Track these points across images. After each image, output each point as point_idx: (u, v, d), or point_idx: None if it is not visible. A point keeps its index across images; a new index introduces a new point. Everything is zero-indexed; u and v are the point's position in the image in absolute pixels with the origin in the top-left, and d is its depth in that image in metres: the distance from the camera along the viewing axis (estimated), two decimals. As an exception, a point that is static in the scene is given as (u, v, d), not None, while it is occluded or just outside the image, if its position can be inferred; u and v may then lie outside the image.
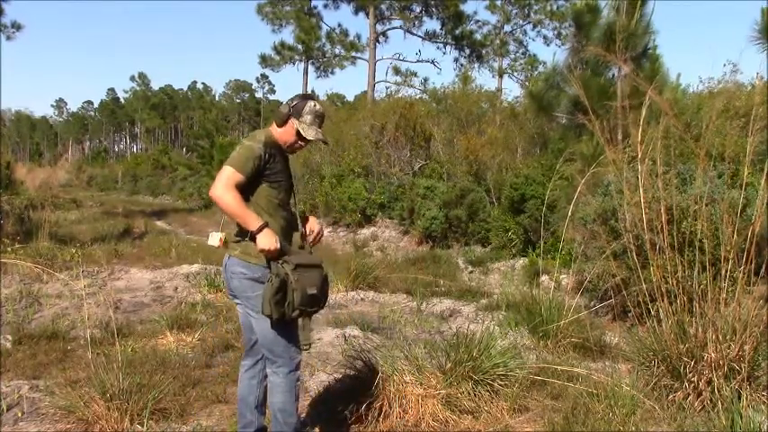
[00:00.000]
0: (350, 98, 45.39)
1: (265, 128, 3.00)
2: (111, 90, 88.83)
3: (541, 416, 3.54)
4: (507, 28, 31.58)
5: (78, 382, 3.83)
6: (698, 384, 3.41)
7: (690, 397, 3.42)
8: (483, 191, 12.38)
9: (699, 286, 3.58)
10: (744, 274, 3.51)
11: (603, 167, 4.84)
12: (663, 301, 3.68)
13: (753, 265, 3.53)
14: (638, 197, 3.86)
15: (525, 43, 32.14)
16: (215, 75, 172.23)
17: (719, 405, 3.20)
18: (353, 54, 28.46)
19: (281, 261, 2.72)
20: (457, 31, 28.58)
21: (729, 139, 7.33)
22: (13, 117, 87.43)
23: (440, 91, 19.91)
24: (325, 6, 28.41)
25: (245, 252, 2.77)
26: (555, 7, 29.72)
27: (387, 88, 27.13)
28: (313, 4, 28.71)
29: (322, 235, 3.05)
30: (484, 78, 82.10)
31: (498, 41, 30.79)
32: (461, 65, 29.12)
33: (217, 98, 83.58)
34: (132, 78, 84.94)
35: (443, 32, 28.75)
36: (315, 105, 2.85)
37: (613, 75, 8.79)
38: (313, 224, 3.01)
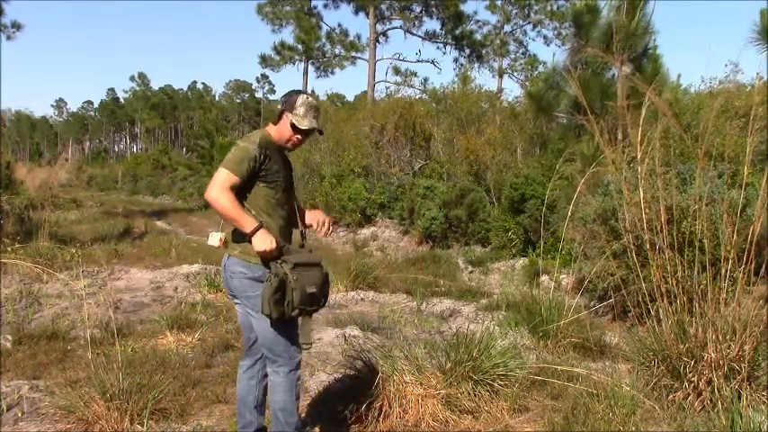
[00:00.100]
0: (350, 98, 45.40)
1: (262, 128, 3.01)
2: (111, 90, 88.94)
3: (541, 416, 3.54)
4: (507, 28, 31.58)
5: (78, 382, 3.83)
6: (698, 384, 3.41)
7: (690, 397, 3.42)
8: (483, 191, 12.38)
9: (699, 286, 3.58)
10: (744, 274, 3.51)
11: (603, 167, 4.84)
12: (663, 301, 3.68)
13: (753, 265, 3.53)
14: (637, 197, 3.86)
15: (525, 43, 32.15)
16: (215, 75, 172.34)
17: (719, 405, 3.20)
18: (353, 54, 28.47)
19: (280, 260, 2.72)
20: (457, 31, 28.57)
21: (729, 139, 7.33)
22: (13, 117, 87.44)
23: (440, 91, 19.90)
24: (325, 6, 28.42)
25: (245, 252, 2.78)
26: (555, 7, 29.71)
27: (387, 88, 27.16)
28: (313, 4, 28.73)
29: (330, 225, 3.06)
30: (484, 78, 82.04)
31: (498, 41, 30.77)
32: (461, 65, 29.13)
33: (217, 98, 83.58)
34: (132, 78, 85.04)
35: (443, 32, 28.75)
36: (307, 98, 2.87)
37: (614, 75, 8.80)
38: (318, 215, 3.03)
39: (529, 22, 31.45)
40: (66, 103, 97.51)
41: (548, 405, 3.65)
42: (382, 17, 27.86)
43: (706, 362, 3.40)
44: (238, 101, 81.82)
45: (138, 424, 3.34)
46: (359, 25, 74.67)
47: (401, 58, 28.56)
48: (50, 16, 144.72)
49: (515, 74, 32.21)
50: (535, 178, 10.55)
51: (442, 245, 12.16)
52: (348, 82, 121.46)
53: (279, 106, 2.93)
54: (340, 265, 8.47)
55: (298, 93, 2.89)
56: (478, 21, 29.98)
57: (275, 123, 2.90)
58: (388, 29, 28.47)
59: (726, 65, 13.56)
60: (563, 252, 7.06)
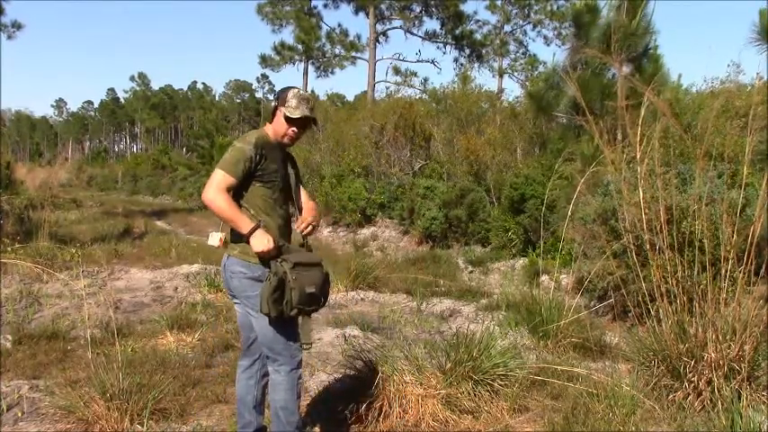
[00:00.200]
0: (350, 98, 45.41)
1: (259, 128, 3.01)
2: (111, 90, 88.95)
3: (541, 416, 3.54)
4: (507, 28, 31.57)
5: (78, 382, 3.83)
6: (698, 384, 3.41)
7: (690, 397, 3.42)
8: (483, 191, 12.38)
9: (699, 286, 3.58)
10: (744, 274, 3.51)
11: (603, 167, 4.84)
12: (663, 301, 3.68)
13: (753, 265, 3.53)
14: (637, 197, 3.86)
15: (525, 43, 32.14)
16: (215, 75, 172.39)
17: (719, 405, 3.20)
18: (353, 54, 28.47)
19: (279, 260, 2.73)
20: (457, 31, 28.58)
21: (729, 138, 7.33)
22: (13, 117, 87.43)
23: (440, 91, 19.91)
24: (325, 6, 28.43)
25: (244, 252, 2.78)
26: (555, 7, 29.71)
27: (387, 88, 27.16)
28: (313, 4, 28.73)
29: (315, 225, 2.93)
30: (484, 78, 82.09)
31: (498, 41, 30.77)
32: (461, 65, 29.14)
33: (217, 98, 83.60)
34: (132, 78, 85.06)
35: (443, 32, 28.76)
36: (298, 91, 2.87)
37: (614, 75, 8.79)
38: (307, 214, 2.92)
39: (529, 22, 31.46)
40: (66, 103, 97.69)
41: (548, 405, 3.65)
42: (382, 17, 27.86)
43: (706, 362, 3.39)
44: (238, 101, 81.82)
45: (138, 424, 3.34)
46: (359, 25, 74.78)
47: (401, 58, 28.59)
48: (50, 16, 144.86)
49: (515, 74, 32.23)
50: (535, 178, 10.55)
51: (442, 245, 12.16)
52: (348, 82, 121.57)
53: (272, 104, 2.94)
54: (340, 265, 8.47)
55: (289, 88, 2.89)
56: (478, 21, 30.01)
57: (270, 121, 2.91)
58: (388, 29, 28.50)
59: (728, 65, 13.54)
60: (563, 252, 7.06)
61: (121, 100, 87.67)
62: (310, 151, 17.58)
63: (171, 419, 3.47)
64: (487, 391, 3.59)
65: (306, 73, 29.07)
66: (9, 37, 16.15)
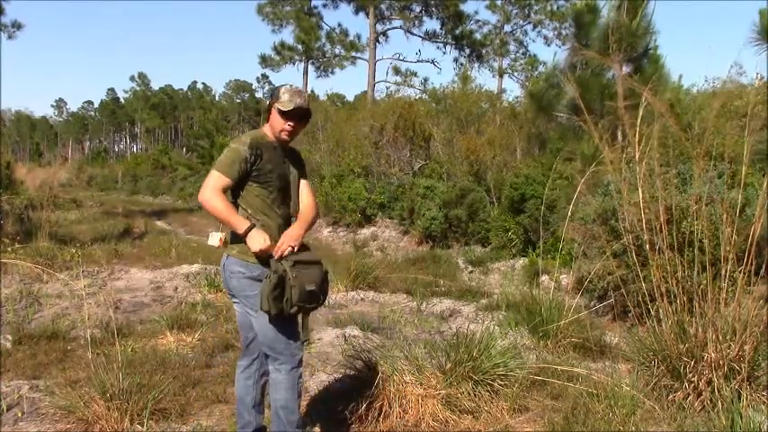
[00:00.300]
0: (350, 98, 45.45)
1: (257, 128, 3.01)
2: (111, 90, 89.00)
3: (541, 416, 3.54)
4: (507, 28, 31.62)
5: (78, 382, 3.83)
6: (698, 384, 3.41)
7: (690, 397, 3.42)
8: (483, 191, 12.37)
9: (699, 286, 3.58)
10: (744, 274, 3.51)
11: (603, 167, 4.84)
12: (663, 301, 3.68)
13: (753, 265, 3.53)
14: (636, 197, 3.86)
15: (525, 43, 32.19)
16: (215, 75, 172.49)
17: (719, 405, 3.20)
18: (353, 54, 28.49)
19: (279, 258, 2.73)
20: (457, 31, 28.60)
21: (729, 139, 7.33)
22: (13, 117, 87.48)
23: (440, 91, 19.91)
24: (325, 6, 28.47)
25: (243, 251, 2.78)
26: (555, 7, 29.74)
27: (387, 88, 27.20)
28: (313, 4, 28.76)
29: (289, 248, 2.75)
30: (484, 78, 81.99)
31: (498, 41, 30.79)
32: (461, 65, 29.14)
33: (217, 98, 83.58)
34: (132, 78, 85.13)
35: (443, 32, 28.78)
36: (290, 86, 2.88)
37: (614, 75, 8.79)
38: (284, 237, 2.77)
39: (529, 22, 31.49)
40: (66, 103, 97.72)
41: (548, 405, 3.65)
42: (382, 17, 27.87)
43: (706, 362, 3.39)
44: (238, 101, 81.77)
45: (138, 424, 3.34)
46: (359, 25, 74.74)
47: (401, 58, 28.63)
48: (50, 16, 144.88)
49: (515, 74, 32.27)
50: (535, 178, 10.54)
51: (442, 245, 12.16)
52: (348, 82, 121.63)
53: (266, 103, 2.94)
54: (340, 265, 8.46)
55: (281, 85, 2.90)
56: (478, 21, 30.06)
57: (266, 120, 2.91)
58: (388, 29, 28.53)
59: (731, 66, 13.52)
60: (563, 252, 7.06)
61: (121, 100, 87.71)
62: (310, 151, 17.57)
63: (171, 419, 3.47)
64: (487, 391, 3.59)
65: (306, 73, 29.10)
66: (9, 37, 16.19)
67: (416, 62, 28.89)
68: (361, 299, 7.15)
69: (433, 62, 29.06)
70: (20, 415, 3.52)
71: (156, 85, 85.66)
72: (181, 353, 4.77)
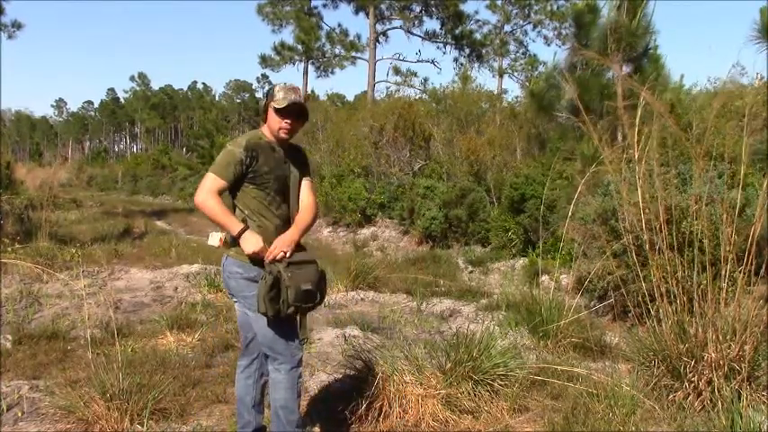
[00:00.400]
0: (350, 98, 45.41)
1: (257, 129, 3.01)
2: (111, 90, 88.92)
3: (541, 416, 3.54)
4: (507, 28, 31.62)
5: (78, 382, 3.83)
6: (698, 384, 3.41)
7: (690, 397, 3.42)
8: (483, 191, 12.37)
9: (699, 286, 3.58)
10: (744, 274, 3.51)
11: (603, 167, 4.84)
12: (663, 301, 3.68)
13: (753, 265, 3.53)
14: (636, 197, 3.86)
15: (525, 43, 32.20)
16: (215, 75, 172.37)
17: (719, 405, 3.20)
18: (353, 54, 28.48)
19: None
20: (457, 31, 28.59)
21: (729, 138, 7.33)
22: (13, 117, 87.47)
23: (440, 91, 19.91)
24: (325, 6, 28.46)
25: (240, 252, 2.78)
26: (555, 7, 29.74)
27: (387, 88, 27.19)
28: (313, 4, 28.75)
29: (281, 254, 2.74)
30: (484, 78, 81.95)
31: (498, 41, 30.79)
32: (461, 65, 29.13)
33: (217, 98, 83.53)
34: (132, 78, 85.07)
35: (443, 32, 28.77)
36: (284, 84, 2.88)
37: (613, 75, 8.79)
38: (278, 242, 2.76)
39: (529, 22, 31.50)
40: (66, 103, 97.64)
41: (548, 405, 3.65)
42: (382, 17, 27.87)
43: (706, 362, 3.39)
44: (238, 101, 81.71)
45: (138, 424, 3.34)
46: (359, 25, 74.62)
47: (401, 58, 28.62)
48: (50, 16, 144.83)
49: (515, 74, 32.27)
50: (535, 178, 10.54)
51: (442, 245, 12.15)
52: (348, 82, 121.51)
53: (262, 103, 2.94)
54: (340, 265, 8.46)
55: (276, 84, 2.91)
56: (478, 20, 30.04)
57: (264, 120, 2.91)
58: (388, 29, 28.52)
59: (733, 66, 13.50)
60: (563, 252, 7.06)
61: (121, 100, 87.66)
62: (310, 151, 17.57)
63: (171, 419, 3.47)
64: (487, 391, 3.59)
65: (306, 73, 29.10)
66: (9, 37, 16.19)
67: (416, 62, 28.93)
68: (361, 299, 7.15)
69: (433, 62, 29.09)
70: (20, 415, 3.52)
71: (156, 85, 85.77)
72: (181, 353, 4.77)
